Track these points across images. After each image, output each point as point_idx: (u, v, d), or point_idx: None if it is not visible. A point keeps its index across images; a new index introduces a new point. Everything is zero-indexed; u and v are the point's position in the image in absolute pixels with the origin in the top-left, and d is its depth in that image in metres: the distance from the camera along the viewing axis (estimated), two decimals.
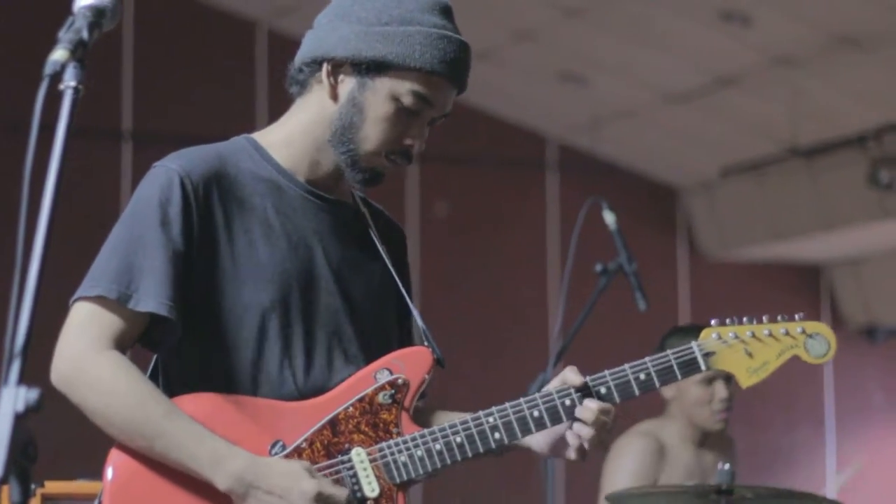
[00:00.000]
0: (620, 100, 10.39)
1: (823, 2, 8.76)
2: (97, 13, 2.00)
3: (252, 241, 2.68)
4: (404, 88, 2.70)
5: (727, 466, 4.11)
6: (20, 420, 1.69)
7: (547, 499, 4.69)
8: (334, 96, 2.74)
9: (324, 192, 2.79)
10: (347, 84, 2.73)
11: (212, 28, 10.32)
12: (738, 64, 9.52)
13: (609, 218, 4.78)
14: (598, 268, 4.79)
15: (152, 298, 2.58)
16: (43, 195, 1.82)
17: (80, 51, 1.93)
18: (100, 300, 2.58)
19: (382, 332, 2.85)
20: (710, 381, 5.06)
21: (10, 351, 1.74)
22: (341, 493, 2.59)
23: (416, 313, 2.89)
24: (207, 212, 2.66)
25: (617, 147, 11.07)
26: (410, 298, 2.92)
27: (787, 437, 11.72)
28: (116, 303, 2.57)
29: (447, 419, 2.78)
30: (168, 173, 2.64)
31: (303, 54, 2.79)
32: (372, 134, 2.72)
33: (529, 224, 11.14)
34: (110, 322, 2.58)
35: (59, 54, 1.91)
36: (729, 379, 5.09)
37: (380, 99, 2.71)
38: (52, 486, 3.93)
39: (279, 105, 2.92)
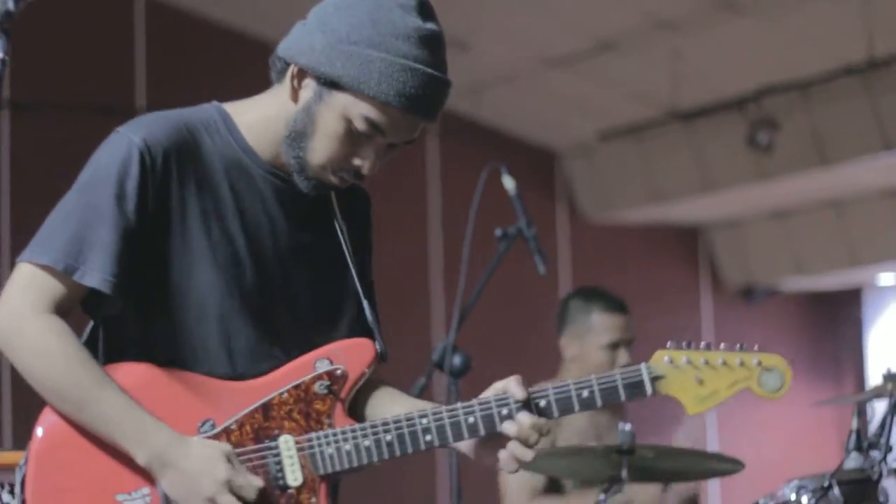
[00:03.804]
0: (501, 64, 10.37)
1: None
2: None
3: (205, 221, 2.68)
4: (357, 111, 2.68)
5: (628, 427, 4.11)
6: None
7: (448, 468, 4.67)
8: (294, 99, 2.73)
9: (287, 174, 2.77)
10: (307, 91, 2.72)
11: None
12: (618, 28, 9.54)
13: (509, 183, 4.80)
14: (498, 233, 4.79)
15: (97, 273, 2.60)
16: None
17: (6, 22, 1.95)
18: (45, 267, 2.61)
19: (328, 320, 2.84)
20: (614, 346, 5.11)
21: None
22: (254, 482, 2.60)
23: (365, 304, 2.87)
24: (164, 188, 2.66)
25: (497, 112, 11.05)
26: (370, 278, 2.91)
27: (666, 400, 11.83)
28: (62, 273, 2.60)
29: (386, 402, 2.80)
30: (130, 147, 2.64)
31: (282, 47, 2.78)
32: (320, 148, 2.71)
33: (410, 190, 11.08)
34: (53, 288, 2.61)
35: None
36: (631, 345, 5.15)
37: (332, 115, 2.69)
38: None
39: None
